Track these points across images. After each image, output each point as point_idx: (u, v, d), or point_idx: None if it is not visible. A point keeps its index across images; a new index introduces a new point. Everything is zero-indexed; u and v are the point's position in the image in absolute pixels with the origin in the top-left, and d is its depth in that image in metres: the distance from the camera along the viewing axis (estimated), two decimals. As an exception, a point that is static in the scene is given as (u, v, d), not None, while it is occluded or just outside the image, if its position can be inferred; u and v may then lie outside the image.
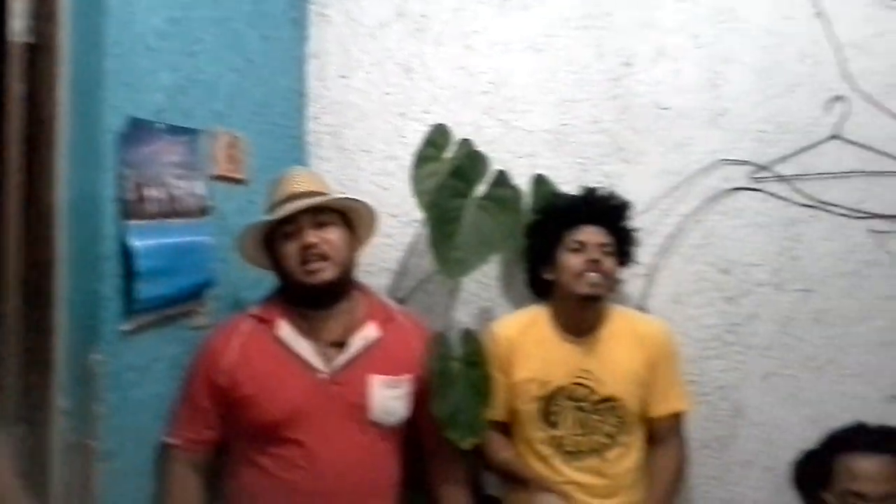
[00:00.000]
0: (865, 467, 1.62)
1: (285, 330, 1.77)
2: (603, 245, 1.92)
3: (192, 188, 1.74)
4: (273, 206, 1.80)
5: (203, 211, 1.78)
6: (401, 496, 1.88)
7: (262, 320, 1.79)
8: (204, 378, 1.75)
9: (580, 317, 1.96)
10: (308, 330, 1.78)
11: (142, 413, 1.68)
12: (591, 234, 1.93)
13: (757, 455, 2.11)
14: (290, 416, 1.72)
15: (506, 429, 2.01)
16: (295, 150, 2.23)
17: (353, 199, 1.85)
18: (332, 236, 1.78)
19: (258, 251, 1.82)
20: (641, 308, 2.13)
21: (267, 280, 1.95)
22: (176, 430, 1.75)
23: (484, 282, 2.24)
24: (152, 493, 1.72)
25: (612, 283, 1.95)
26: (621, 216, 1.99)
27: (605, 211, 1.98)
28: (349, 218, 1.84)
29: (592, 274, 1.90)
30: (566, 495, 1.87)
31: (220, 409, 1.75)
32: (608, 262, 1.92)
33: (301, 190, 1.79)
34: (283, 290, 1.83)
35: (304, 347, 1.76)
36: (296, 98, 2.25)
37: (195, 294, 1.78)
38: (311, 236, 1.75)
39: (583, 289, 1.90)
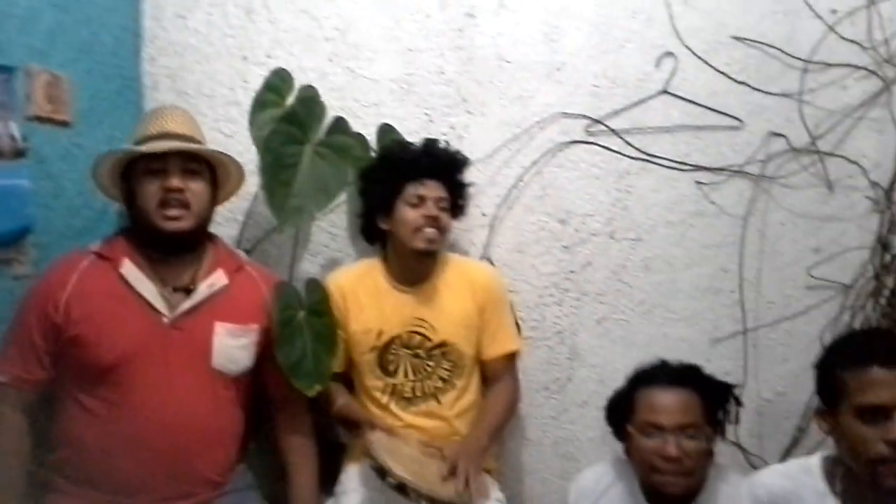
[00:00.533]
0: (662, 400, 1.71)
1: (129, 269, 1.72)
2: (441, 200, 1.96)
3: (6, 129, 1.65)
4: (142, 139, 1.73)
5: (18, 153, 1.69)
6: (244, 447, 1.89)
7: (104, 258, 1.73)
8: (37, 313, 1.67)
9: (414, 268, 1.99)
10: (153, 273, 1.74)
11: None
12: (431, 189, 1.95)
13: (591, 395, 2.21)
14: (126, 358, 1.67)
15: (345, 378, 2.04)
16: (129, 92, 2.13)
17: (228, 156, 1.81)
18: (198, 187, 1.74)
19: (113, 181, 1.75)
20: (487, 258, 2.19)
21: (98, 228, 1.88)
22: (4, 367, 1.68)
23: (332, 232, 2.23)
24: None
25: (446, 237, 2.00)
26: (460, 171, 2.03)
27: (446, 166, 2.01)
28: (216, 173, 1.80)
29: (430, 230, 1.93)
30: (392, 430, 1.92)
31: (53, 346, 1.68)
32: (445, 218, 1.97)
33: (176, 130, 1.74)
34: (131, 229, 1.77)
35: (147, 289, 1.71)
36: (129, 37, 2.14)
37: (12, 241, 1.70)
38: (177, 180, 1.70)
39: (419, 244, 1.94)
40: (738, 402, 1.80)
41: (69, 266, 1.71)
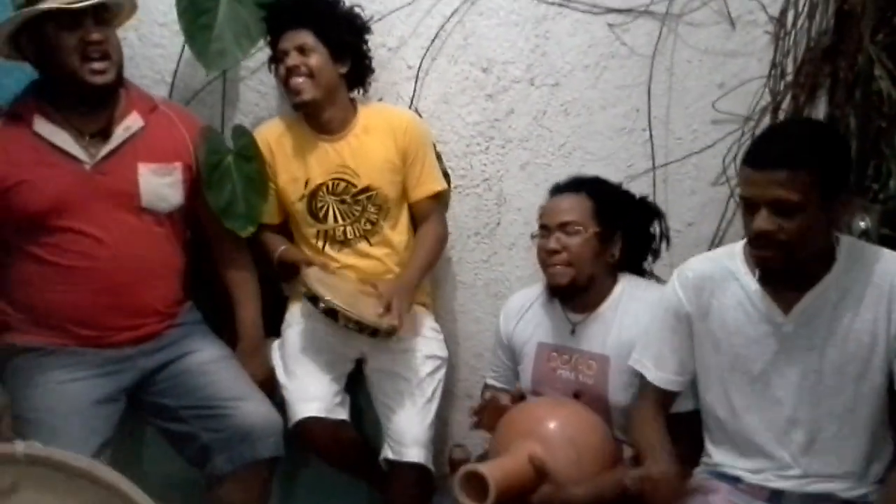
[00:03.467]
0: (549, 204, 1.91)
1: (42, 125, 1.79)
2: (303, 47, 1.98)
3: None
4: None
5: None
6: (186, 279, 1.99)
7: (15, 117, 1.79)
8: None
9: (328, 116, 2.07)
10: (67, 124, 1.80)
11: None
12: (289, 40, 1.99)
13: (519, 238, 2.35)
14: (56, 205, 1.76)
15: (281, 228, 2.16)
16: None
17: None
18: (112, 35, 1.79)
19: (7, 42, 1.78)
20: (415, 110, 2.28)
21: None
22: None
23: (261, 90, 2.30)
24: None
25: (322, 81, 2.01)
26: (326, 13, 2.03)
27: (304, 12, 2.00)
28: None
29: (296, 79, 1.99)
30: (328, 268, 2.05)
31: None
32: (313, 63, 1.98)
33: None
34: (38, 86, 1.81)
35: (64, 140, 1.79)
36: None
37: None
38: (97, 32, 1.74)
39: (293, 98, 2.02)
40: (664, 233, 1.96)
41: None
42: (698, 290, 1.64)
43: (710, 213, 2.27)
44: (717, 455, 1.64)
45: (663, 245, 1.98)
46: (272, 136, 2.10)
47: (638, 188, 2.26)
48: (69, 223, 1.78)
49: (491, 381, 2.05)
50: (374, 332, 1.90)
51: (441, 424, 2.33)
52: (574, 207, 1.87)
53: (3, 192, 1.75)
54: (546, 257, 1.87)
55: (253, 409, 1.82)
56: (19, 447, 1.19)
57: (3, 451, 1.20)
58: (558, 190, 1.94)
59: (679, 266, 1.72)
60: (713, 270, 1.64)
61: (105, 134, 1.82)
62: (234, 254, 2.06)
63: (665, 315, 1.69)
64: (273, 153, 2.08)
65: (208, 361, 1.90)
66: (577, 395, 1.87)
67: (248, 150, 2.00)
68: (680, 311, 1.66)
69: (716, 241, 2.26)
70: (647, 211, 1.97)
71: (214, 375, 1.87)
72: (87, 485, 1.21)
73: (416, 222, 2.20)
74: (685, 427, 1.71)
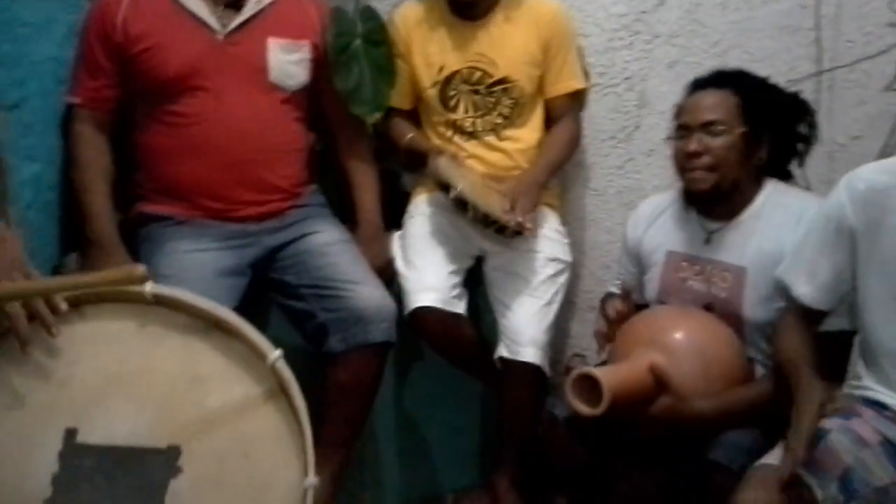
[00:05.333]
0: (690, 101, 1.75)
1: None
2: None
3: None
4: None
5: None
6: (312, 163, 1.99)
7: None
8: (98, 35, 1.79)
9: (474, 1, 1.98)
10: None
11: (42, 75, 1.73)
12: None
13: (659, 144, 2.20)
14: (187, 72, 1.78)
15: (410, 116, 2.11)
16: None
17: None
18: None
19: None
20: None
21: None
22: (77, 89, 1.81)
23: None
24: (59, 148, 1.82)
25: None
26: None
27: None
28: None
29: None
30: (457, 158, 1.98)
31: (118, 66, 1.80)
32: None
33: None
34: None
35: (198, 7, 1.79)
36: None
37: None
38: None
39: None
40: (811, 134, 1.78)
41: None
42: (869, 204, 1.42)
43: (879, 125, 2.02)
44: (868, 379, 1.48)
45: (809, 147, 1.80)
46: (411, 16, 2.04)
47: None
48: (198, 92, 1.79)
49: (614, 290, 1.95)
50: (500, 228, 1.84)
51: (560, 335, 2.26)
52: (719, 105, 1.70)
53: (138, 55, 1.77)
54: (685, 161, 1.72)
55: (368, 293, 1.82)
56: (147, 287, 1.21)
57: (132, 290, 1.23)
58: (700, 85, 1.78)
59: (847, 174, 1.51)
60: (888, 184, 1.43)
61: (237, 5, 1.82)
62: (356, 140, 2.04)
63: (825, 227, 1.49)
64: (410, 34, 2.03)
65: (328, 243, 1.91)
66: (707, 309, 1.74)
67: (377, 35, 1.95)
68: (843, 224, 1.45)
69: (883, 157, 2.03)
70: (798, 108, 1.78)
71: (333, 257, 1.87)
72: (210, 327, 1.23)
73: (549, 120, 2.10)
74: (833, 347, 1.55)
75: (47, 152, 1.80)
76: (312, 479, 1.17)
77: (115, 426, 1.16)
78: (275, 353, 1.22)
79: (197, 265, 1.75)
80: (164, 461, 1.16)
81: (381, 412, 2.03)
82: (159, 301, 1.23)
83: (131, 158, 1.89)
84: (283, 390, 1.21)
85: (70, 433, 1.15)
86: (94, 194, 1.80)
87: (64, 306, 1.18)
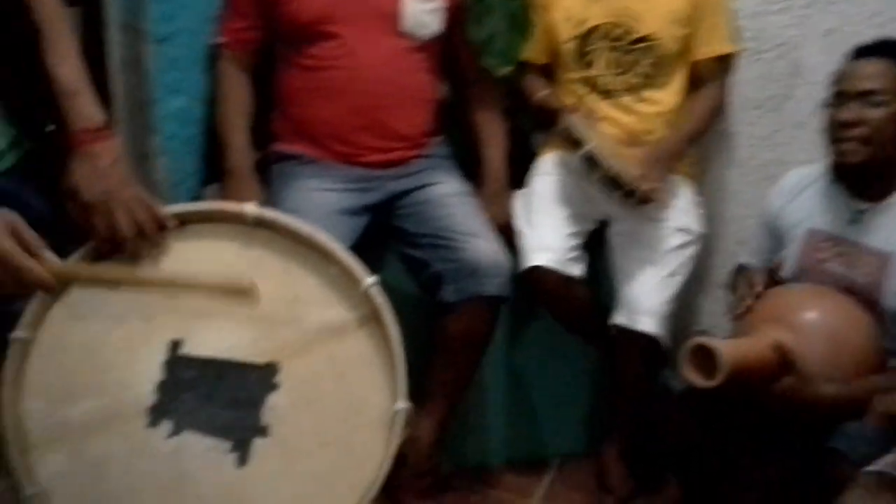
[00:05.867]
0: (849, 68, 1.62)
1: None
2: None
3: None
4: None
5: None
6: (440, 114, 2.00)
7: None
8: None
9: None
10: None
11: (192, 12, 1.83)
12: None
13: (810, 116, 2.04)
14: (322, 17, 1.82)
15: (544, 72, 2.06)
16: None
17: None
18: None
19: None
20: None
21: None
22: (223, 30, 1.90)
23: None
24: (204, 83, 1.92)
25: None
26: None
27: None
28: None
29: None
30: (591, 117, 1.92)
31: (261, 10, 1.87)
32: None
33: None
34: None
35: None
36: None
37: None
38: None
39: None
40: None
41: None
42: None
43: None
44: None
45: None
46: None
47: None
48: (332, 38, 1.82)
49: (745, 262, 1.84)
50: (629, 192, 1.77)
51: (687, 311, 2.17)
52: (881, 74, 1.57)
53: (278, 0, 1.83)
54: (838, 130, 1.59)
55: (483, 246, 1.80)
56: (249, 208, 1.26)
57: (234, 210, 1.27)
58: (863, 52, 1.64)
59: None
60: None
61: None
62: (486, 94, 2.03)
63: None
64: None
65: (449, 194, 1.91)
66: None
67: (513, -14, 1.92)
68: None
69: None
70: None
71: (452, 209, 1.87)
72: (309, 251, 1.26)
73: (692, 83, 2.00)
74: None
75: (193, 87, 1.89)
76: (403, 404, 1.18)
77: (216, 341, 1.21)
78: (369, 280, 1.23)
79: (320, 202, 1.79)
80: (263, 377, 1.20)
81: (491, 369, 2.01)
82: (261, 223, 1.27)
83: (270, 99, 1.96)
84: (376, 317, 1.22)
85: (175, 345, 1.20)
86: (234, 128, 1.89)
87: (171, 223, 1.24)
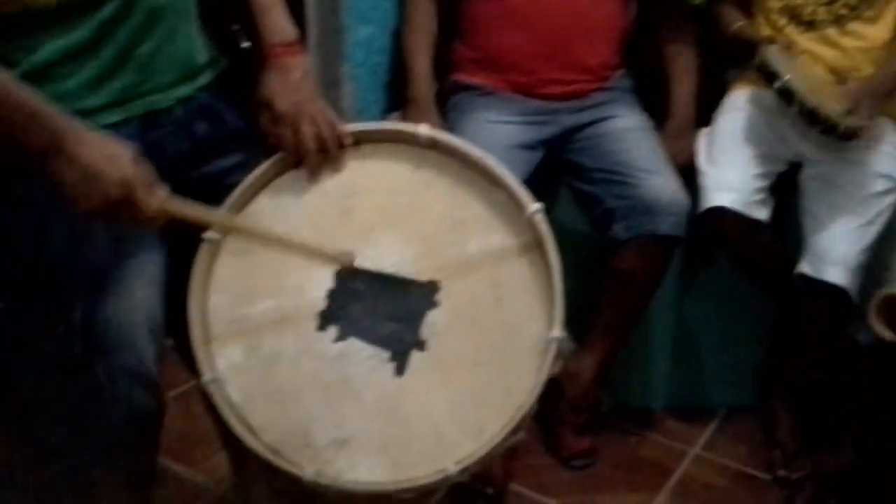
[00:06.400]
0: None
1: None
2: None
3: None
4: None
5: None
6: (625, 47, 1.94)
7: None
8: None
9: None
10: None
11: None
12: None
13: None
14: None
15: (739, 4, 1.93)
16: None
17: None
18: None
19: None
20: None
21: None
22: None
23: None
24: (392, 13, 1.99)
25: None
26: None
27: None
28: None
29: None
30: (791, 49, 1.78)
31: None
32: None
33: None
34: None
35: None
36: None
37: None
38: None
39: None
40: None
41: None
42: None
43: None
44: None
45: None
46: None
47: None
48: None
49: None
50: (830, 128, 1.64)
51: (879, 265, 1.99)
52: None
53: None
54: None
55: (661, 183, 1.74)
56: (422, 129, 1.28)
57: (408, 129, 1.30)
58: None
59: None
60: None
61: None
62: (680, 26, 1.94)
63: None
64: None
65: (628, 129, 1.85)
66: None
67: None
68: None
69: None
70: None
71: (631, 143, 1.82)
72: (478, 175, 1.26)
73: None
74: None
75: (381, 16, 1.96)
76: (558, 332, 1.17)
77: (383, 255, 1.25)
78: (534, 206, 1.22)
79: (495, 135, 1.79)
80: (424, 293, 1.23)
81: (660, 310, 1.96)
82: (433, 145, 1.28)
83: (454, 28, 1.97)
84: (539, 245, 1.21)
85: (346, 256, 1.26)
86: (419, 57, 1.92)
87: (349, 140, 1.29)
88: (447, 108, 1.95)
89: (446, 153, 1.29)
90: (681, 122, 1.93)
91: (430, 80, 1.93)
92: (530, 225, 1.23)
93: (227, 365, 1.21)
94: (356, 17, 1.88)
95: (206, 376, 1.19)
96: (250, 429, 1.19)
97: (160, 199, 1.09)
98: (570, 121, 1.88)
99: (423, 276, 1.24)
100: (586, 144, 1.86)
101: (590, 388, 1.86)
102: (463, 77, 1.95)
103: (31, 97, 1.04)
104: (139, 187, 1.05)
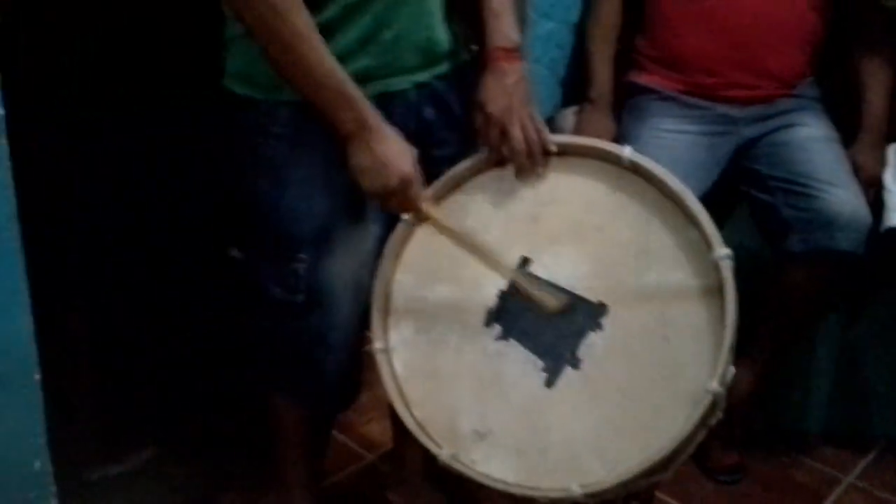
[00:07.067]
0: None
1: None
2: None
3: None
4: None
5: None
6: (816, 55, 1.83)
7: None
8: None
9: None
10: None
11: None
12: None
13: None
14: None
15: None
16: None
17: None
18: None
19: None
20: None
21: None
22: None
23: None
24: (573, 8, 1.96)
25: None
26: None
27: None
28: None
29: None
30: None
31: None
32: None
33: None
34: None
35: None
36: None
37: None
38: None
39: None
40: None
41: None
42: None
43: None
44: None
45: None
46: None
47: None
48: None
49: None
50: None
51: None
52: None
53: None
54: None
55: (844, 196, 1.65)
56: (626, 151, 1.26)
57: (612, 150, 1.28)
58: None
59: None
60: None
61: None
62: (875, 36, 1.79)
63: None
64: None
65: (813, 138, 1.76)
66: None
67: None
68: None
69: None
70: None
71: (815, 154, 1.73)
72: (672, 207, 1.24)
73: None
74: None
75: (562, 12, 1.92)
76: (716, 386, 1.15)
77: (559, 267, 1.27)
78: (723, 251, 1.19)
79: (674, 147, 1.75)
80: (591, 313, 1.24)
81: (825, 330, 1.90)
82: (635, 169, 1.26)
83: (638, 25, 1.90)
84: (719, 291, 1.18)
85: (524, 260, 1.29)
86: (602, 57, 1.89)
87: (553, 147, 1.30)
88: (624, 108, 1.90)
89: (646, 178, 1.27)
90: (870, 135, 1.81)
91: (610, 83, 1.89)
92: (715, 268, 1.20)
93: (398, 339, 1.31)
94: (539, 11, 1.85)
95: (378, 345, 1.30)
96: (406, 401, 1.29)
97: (426, 199, 1.24)
98: (750, 131, 1.80)
99: (594, 296, 1.25)
100: (767, 151, 1.78)
101: (745, 403, 1.82)
102: (642, 78, 1.89)
103: (347, 79, 1.15)
104: (415, 184, 1.20)
